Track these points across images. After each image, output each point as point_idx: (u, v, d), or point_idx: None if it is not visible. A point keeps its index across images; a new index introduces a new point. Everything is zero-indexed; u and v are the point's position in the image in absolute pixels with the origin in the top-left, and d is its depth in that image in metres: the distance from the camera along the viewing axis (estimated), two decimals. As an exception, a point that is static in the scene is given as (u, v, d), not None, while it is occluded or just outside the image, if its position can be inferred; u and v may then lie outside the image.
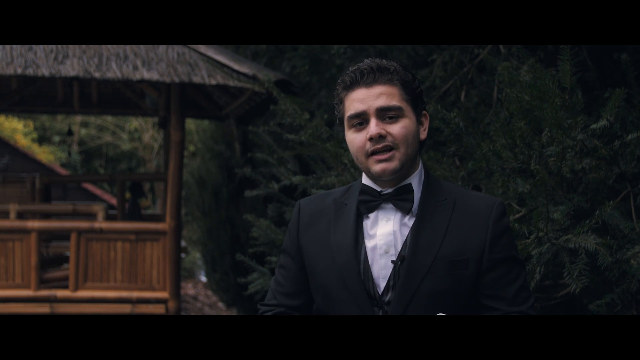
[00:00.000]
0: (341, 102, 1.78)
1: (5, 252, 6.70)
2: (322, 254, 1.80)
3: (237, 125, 9.07)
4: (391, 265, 1.73)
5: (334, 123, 5.28)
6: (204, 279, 13.18)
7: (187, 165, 11.23)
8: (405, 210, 1.75)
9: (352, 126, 1.76)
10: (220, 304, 11.37)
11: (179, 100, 6.94)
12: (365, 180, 1.82)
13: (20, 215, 7.13)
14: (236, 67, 6.32)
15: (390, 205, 1.77)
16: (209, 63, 6.39)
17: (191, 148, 17.52)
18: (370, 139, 1.71)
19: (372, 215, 1.78)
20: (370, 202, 1.77)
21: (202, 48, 6.49)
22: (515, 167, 2.71)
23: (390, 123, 1.72)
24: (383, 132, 1.71)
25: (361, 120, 1.73)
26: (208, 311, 11.09)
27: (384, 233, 1.75)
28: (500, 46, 3.75)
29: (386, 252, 1.74)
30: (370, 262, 1.75)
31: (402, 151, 1.72)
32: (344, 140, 3.55)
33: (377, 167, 1.73)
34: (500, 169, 2.79)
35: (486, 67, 3.87)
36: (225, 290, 9.89)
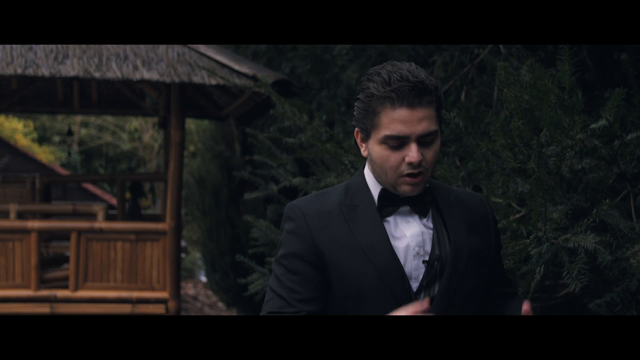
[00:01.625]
0: (375, 114, 1.71)
1: (5, 252, 6.70)
2: (350, 256, 1.74)
3: (237, 125, 9.07)
4: (422, 266, 1.75)
5: (333, 124, 5.29)
6: (204, 279, 13.19)
7: (187, 165, 11.24)
8: (423, 214, 1.78)
9: (386, 144, 1.71)
10: (220, 304, 11.37)
11: (179, 100, 6.95)
12: (376, 184, 1.80)
13: (20, 215, 7.13)
14: (236, 67, 6.32)
15: (406, 208, 1.78)
16: (209, 63, 6.40)
17: (191, 148, 17.53)
18: (410, 163, 1.70)
19: (390, 219, 1.78)
20: (390, 207, 1.77)
21: (202, 48, 6.50)
22: (514, 167, 2.71)
23: (426, 147, 1.71)
24: (421, 158, 1.70)
25: (400, 142, 1.70)
26: (208, 311, 11.10)
27: (413, 234, 1.76)
28: (501, 46, 3.75)
29: (417, 253, 1.76)
30: (402, 263, 1.75)
31: (430, 173, 1.75)
32: (343, 141, 3.56)
33: (406, 188, 1.73)
34: (500, 168, 2.79)
35: (486, 67, 3.87)
36: (225, 290, 9.90)
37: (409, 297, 1.74)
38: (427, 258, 1.75)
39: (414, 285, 1.75)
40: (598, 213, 2.37)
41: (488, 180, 3.11)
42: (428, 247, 1.76)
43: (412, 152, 1.68)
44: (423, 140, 1.70)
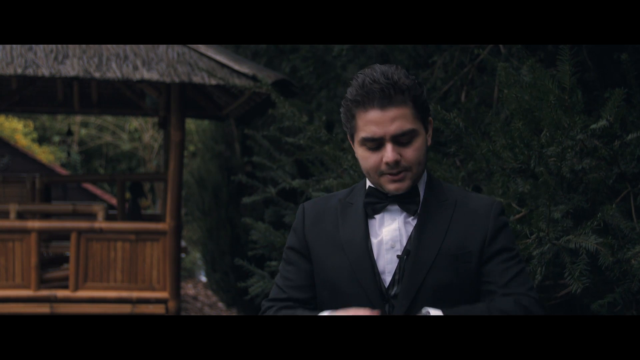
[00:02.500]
0: (353, 117, 1.78)
1: (5, 252, 6.70)
2: (331, 250, 1.83)
3: (237, 125, 9.07)
4: (396, 260, 1.78)
5: (333, 125, 5.29)
6: (204, 279, 13.19)
7: (187, 165, 11.25)
8: (411, 212, 1.81)
9: (364, 145, 1.77)
10: (220, 304, 11.37)
11: (179, 100, 6.94)
12: (371, 183, 1.85)
13: (20, 215, 7.13)
14: (236, 67, 6.32)
15: (396, 207, 1.82)
16: (209, 63, 6.39)
17: (191, 148, 17.53)
18: (387, 164, 1.74)
19: (378, 217, 1.83)
20: (377, 204, 1.82)
21: (202, 48, 6.49)
22: (515, 168, 2.71)
23: (405, 146, 1.75)
24: (399, 157, 1.74)
25: (376, 144, 1.75)
26: (208, 311, 11.10)
27: (390, 229, 1.80)
28: (501, 46, 3.75)
29: (392, 247, 1.79)
30: (376, 256, 1.80)
31: (415, 171, 1.77)
32: (342, 142, 3.55)
33: (390, 187, 1.77)
34: (501, 169, 2.79)
35: (486, 68, 3.87)
36: (225, 290, 9.90)
37: (379, 291, 1.78)
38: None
39: (387, 279, 1.79)
40: (603, 216, 2.37)
41: (488, 181, 3.11)
42: (405, 243, 1.80)
43: (388, 153, 1.73)
44: (399, 140, 1.74)
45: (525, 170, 2.67)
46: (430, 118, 1.85)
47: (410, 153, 1.75)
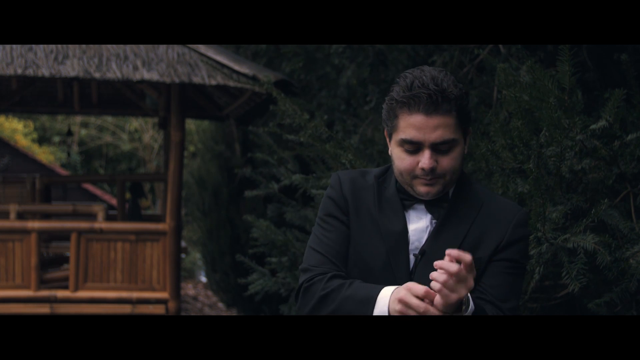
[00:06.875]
0: (395, 117, 1.77)
1: (5, 252, 6.70)
2: (370, 233, 1.84)
3: (237, 126, 9.07)
4: (413, 258, 1.82)
5: (334, 123, 5.29)
6: (204, 279, 13.18)
7: (187, 166, 11.23)
8: (436, 216, 1.83)
9: (402, 146, 1.77)
10: (221, 305, 11.37)
11: (179, 101, 6.94)
12: (401, 183, 1.86)
13: (20, 216, 7.13)
14: (236, 67, 6.32)
15: (422, 207, 1.83)
16: (209, 63, 6.40)
17: (191, 148, 17.53)
18: (422, 169, 1.75)
19: (405, 212, 1.85)
20: (405, 201, 1.84)
21: (202, 48, 6.49)
22: (514, 167, 2.71)
23: (443, 155, 1.75)
24: (435, 165, 1.75)
25: (415, 147, 1.75)
26: (208, 311, 11.10)
27: (417, 229, 1.83)
28: (500, 46, 3.75)
29: (416, 247, 1.83)
30: None
31: (448, 179, 1.78)
32: (343, 141, 3.56)
33: (421, 189, 1.78)
34: (500, 169, 2.80)
35: (486, 68, 3.87)
36: (225, 290, 9.89)
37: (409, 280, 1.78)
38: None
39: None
40: (597, 213, 2.37)
41: (488, 181, 3.11)
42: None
43: (425, 159, 1.74)
44: (439, 148, 1.74)
45: (524, 170, 2.67)
46: (469, 128, 1.85)
47: (447, 162, 1.76)
